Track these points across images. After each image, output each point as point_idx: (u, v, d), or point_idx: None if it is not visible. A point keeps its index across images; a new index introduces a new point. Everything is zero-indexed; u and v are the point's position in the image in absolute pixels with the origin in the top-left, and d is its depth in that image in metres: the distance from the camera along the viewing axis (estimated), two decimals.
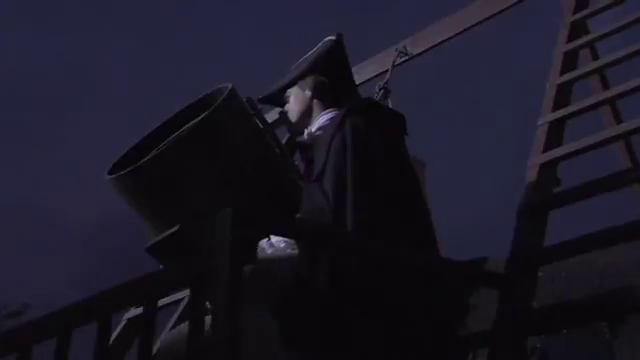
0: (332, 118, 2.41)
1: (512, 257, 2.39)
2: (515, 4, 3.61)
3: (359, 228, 2.02)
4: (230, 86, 2.43)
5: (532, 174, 2.62)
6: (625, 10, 3.15)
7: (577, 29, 3.23)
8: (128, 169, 2.32)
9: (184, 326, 2.24)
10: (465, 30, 3.71)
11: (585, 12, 3.30)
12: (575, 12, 3.28)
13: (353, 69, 2.69)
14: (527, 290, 2.32)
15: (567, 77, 2.98)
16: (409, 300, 2.00)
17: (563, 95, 2.91)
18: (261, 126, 2.50)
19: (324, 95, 2.47)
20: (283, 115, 2.57)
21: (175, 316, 3.59)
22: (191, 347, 1.58)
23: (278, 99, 2.59)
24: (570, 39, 3.15)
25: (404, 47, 3.75)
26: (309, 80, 2.49)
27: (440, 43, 3.75)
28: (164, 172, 2.26)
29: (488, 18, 3.69)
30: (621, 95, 2.93)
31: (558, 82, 2.94)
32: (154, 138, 2.60)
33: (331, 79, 2.49)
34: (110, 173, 2.45)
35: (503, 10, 3.65)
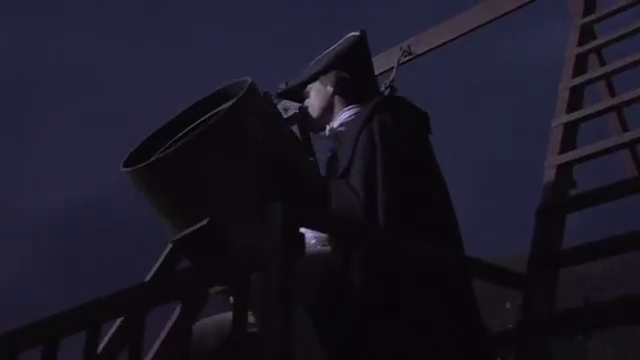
0: (356, 114, 2.38)
1: (532, 258, 2.39)
2: (520, 7, 3.62)
3: (391, 226, 1.99)
4: (250, 80, 2.39)
5: (549, 175, 2.61)
6: (638, 13, 3.17)
7: (586, 32, 3.24)
8: (149, 161, 2.26)
9: (210, 320, 2.20)
10: (469, 32, 3.71)
11: (593, 16, 3.31)
12: (584, 15, 3.29)
13: None
14: (548, 291, 2.32)
15: (579, 80, 2.99)
16: (442, 298, 1.99)
17: (576, 97, 2.92)
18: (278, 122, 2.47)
19: (346, 91, 2.44)
20: (303, 110, 2.53)
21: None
22: (237, 346, 1.54)
23: (297, 94, 2.55)
24: (581, 42, 3.17)
25: (408, 46, 3.73)
26: (331, 75, 2.46)
27: (444, 44, 3.74)
28: (187, 164, 2.21)
29: (491, 21, 3.70)
30: (628, 102, 2.94)
31: (571, 85, 2.94)
32: (161, 136, 2.54)
33: (353, 75, 2.46)
34: (126, 166, 2.40)
35: (507, 13, 3.65)
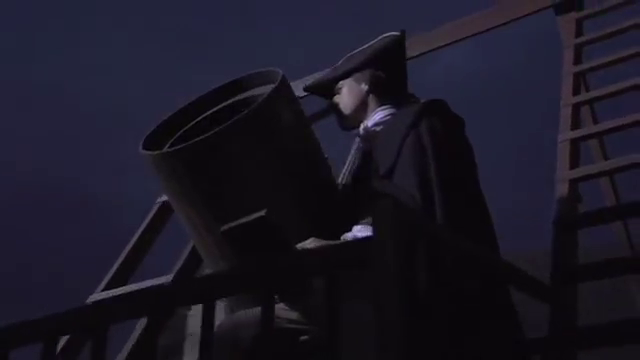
0: (392, 115, 2.35)
1: (554, 270, 2.43)
2: (510, 22, 3.71)
3: (449, 227, 1.98)
4: (280, 72, 2.33)
5: (562, 189, 2.67)
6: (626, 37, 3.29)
7: (579, 53, 3.35)
8: (188, 143, 2.16)
9: (244, 313, 2.12)
10: (459, 40, 3.78)
11: (583, 39, 3.42)
12: (577, 36, 3.40)
13: None
14: (570, 303, 2.37)
15: (577, 99, 3.08)
16: (496, 301, 2.01)
17: (579, 114, 3.01)
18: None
19: (381, 91, 2.41)
20: (333, 106, 2.48)
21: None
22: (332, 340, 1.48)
23: (327, 90, 2.50)
24: (576, 61, 3.26)
25: None
26: (366, 73, 2.42)
27: (434, 49, 3.79)
28: (227, 148, 2.13)
29: (481, 32, 3.78)
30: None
31: (573, 102, 3.02)
32: (169, 126, 2.45)
33: (389, 75, 2.43)
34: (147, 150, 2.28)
35: (498, 26, 3.74)
